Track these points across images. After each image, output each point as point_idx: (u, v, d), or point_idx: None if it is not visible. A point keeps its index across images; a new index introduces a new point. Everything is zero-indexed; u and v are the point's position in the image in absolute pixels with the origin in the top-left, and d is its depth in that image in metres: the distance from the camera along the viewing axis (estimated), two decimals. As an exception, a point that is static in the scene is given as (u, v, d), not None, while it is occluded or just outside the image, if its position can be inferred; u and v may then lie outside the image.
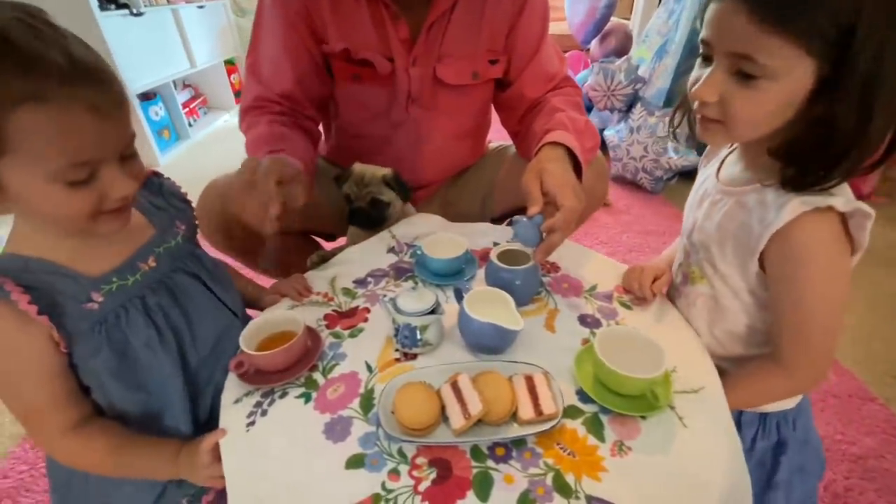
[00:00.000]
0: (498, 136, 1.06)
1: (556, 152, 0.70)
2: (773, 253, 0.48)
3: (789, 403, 0.57)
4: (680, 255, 0.65)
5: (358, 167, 0.79)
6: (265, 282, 0.72)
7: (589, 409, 0.49)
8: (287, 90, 0.76)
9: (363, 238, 0.80)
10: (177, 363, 0.52)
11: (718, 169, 0.59)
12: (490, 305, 0.56)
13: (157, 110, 2.46)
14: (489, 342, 0.55)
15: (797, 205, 0.45)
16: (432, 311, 0.55)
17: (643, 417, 0.48)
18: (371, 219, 0.79)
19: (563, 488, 0.42)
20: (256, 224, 0.57)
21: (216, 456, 0.47)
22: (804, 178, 0.45)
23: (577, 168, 0.72)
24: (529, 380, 0.49)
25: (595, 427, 0.48)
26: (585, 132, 0.78)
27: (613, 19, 2.70)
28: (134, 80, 2.26)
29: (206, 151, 2.67)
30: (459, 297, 0.65)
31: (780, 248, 0.47)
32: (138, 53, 2.29)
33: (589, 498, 0.41)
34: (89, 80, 0.39)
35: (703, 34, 0.47)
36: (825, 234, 0.45)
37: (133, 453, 0.49)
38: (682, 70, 1.82)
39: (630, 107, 1.94)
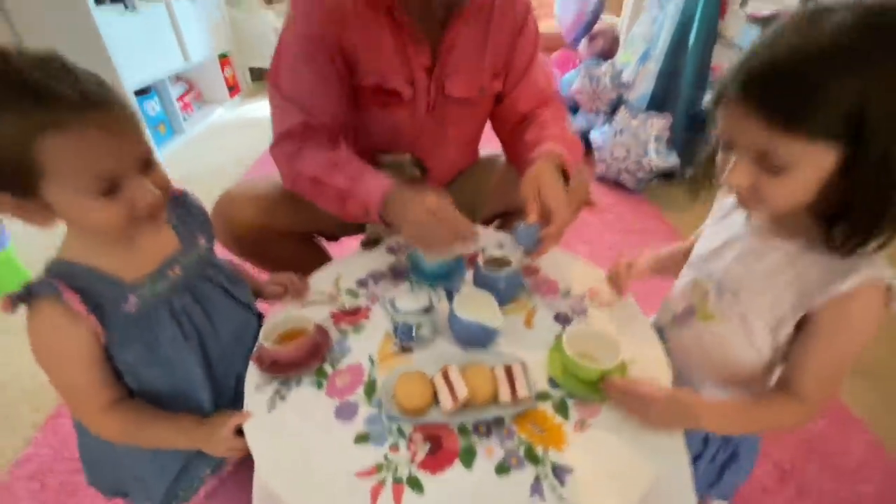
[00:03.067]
0: (487, 146, 1.14)
1: (549, 165, 0.78)
2: (824, 314, 0.52)
3: None
4: (686, 286, 0.68)
5: (388, 157, 0.88)
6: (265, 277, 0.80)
7: (557, 393, 0.59)
8: (328, 121, 0.81)
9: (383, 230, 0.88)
10: (199, 356, 0.60)
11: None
12: (476, 305, 0.65)
13: (154, 105, 2.49)
14: (475, 338, 0.64)
15: (863, 277, 0.48)
16: (426, 310, 0.64)
17: (602, 401, 0.58)
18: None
19: (532, 458, 0.52)
20: (449, 246, 0.69)
21: (237, 432, 0.56)
22: (849, 239, 0.47)
23: (565, 178, 0.81)
24: (508, 369, 0.59)
25: (562, 408, 0.57)
26: (572, 145, 0.87)
27: (604, 17, 2.77)
28: (129, 75, 2.28)
29: (201, 146, 2.70)
30: (450, 297, 0.74)
31: (833, 312, 0.51)
32: (133, 49, 2.31)
33: (553, 465, 0.51)
34: (98, 107, 0.46)
35: (719, 129, 0.50)
36: (878, 305, 0.49)
37: (157, 427, 0.58)
38: (665, 75, 1.91)
39: (614, 109, 2.03)
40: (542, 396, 0.59)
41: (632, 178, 1.98)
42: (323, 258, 1.08)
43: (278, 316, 0.65)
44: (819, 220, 0.51)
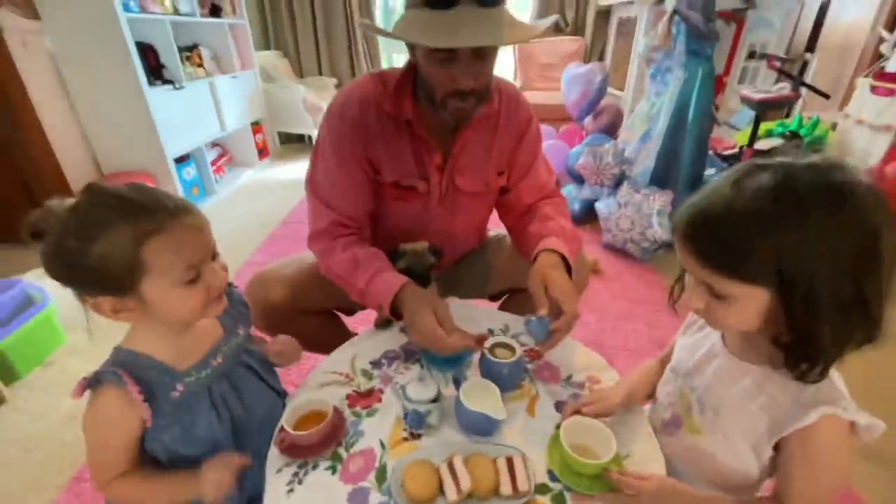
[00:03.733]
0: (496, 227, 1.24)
1: (554, 259, 0.86)
2: (792, 445, 0.55)
3: None
4: (672, 393, 0.71)
5: (407, 246, 0.98)
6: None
7: (556, 486, 0.63)
8: (354, 215, 0.93)
9: None
10: (230, 439, 0.66)
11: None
12: (481, 395, 0.70)
13: (190, 171, 2.70)
14: (479, 427, 0.69)
15: (823, 413, 0.51)
16: (435, 400, 0.70)
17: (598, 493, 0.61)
18: (427, 280, 0.97)
19: (531, 554, 0.55)
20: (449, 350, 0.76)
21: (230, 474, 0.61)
22: (798, 364, 0.52)
23: (567, 268, 0.88)
24: (510, 461, 0.63)
25: (559, 502, 0.60)
26: (572, 238, 0.96)
27: (609, 90, 2.98)
28: (172, 146, 2.51)
29: (230, 206, 2.89)
30: (457, 384, 0.79)
31: (800, 443, 0.54)
32: (177, 122, 2.56)
33: (550, 562, 0.54)
34: (185, 212, 0.57)
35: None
36: (841, 437, 0.53)
37: (161, 482, 0.63)
38: (665, 153, 2.03)
39: (618, 183, 2.14)
40: (541, 489, 0.62)
41: (637, 247, 2.05)
42: (342, 331, 1.15)
43: (300, 398, 0.71)
44: (777, 347, 0.55)
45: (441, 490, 0.60)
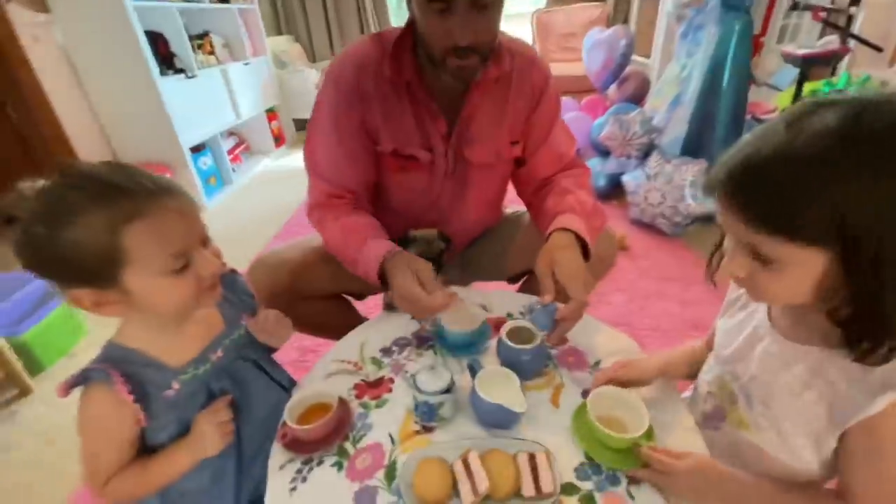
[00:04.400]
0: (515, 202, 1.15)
1: (566, 238, 0.77)
2: (856, 436, 0.48)
3: None
4: (712, 381, 0.64)
5: (417, 232, 0.93)
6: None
7: (584, 486, 0.56)
8: (351, 186, 0.88)
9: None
10: (232, 438, 0.62)
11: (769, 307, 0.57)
12: (499, 384, 0.63)
13: (206, 161, 2.69)
14: (497, 420, 0.62)
15: (891, 399, 0.44)
16: (447, 390, 0.63)
17: (630, 480, 0.55)
18: (439, 267, 0.91)
19: (558, 563, 0.48)
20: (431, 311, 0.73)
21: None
22: (860, 343, 0.44)
23: (586, 247, 0.80)
24: (532, 458, 0.56)
25: (588, 503, 0.54)
26: (593, 213, 0.86)
27: (634, 57, 2.78)
28: (187, 135, 2.49)
29: (247, 195, 2.88)
30: (473, 372, 0.72)
31: (864, 434, 0.47)
32: (191, 111, 2.54)
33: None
34: (169, 194, 0.52)
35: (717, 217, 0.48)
36: None
37: (157, 464, 0.58)
38: (698, 119, 1.88)
39: (647, 154, 2.00)
40: (568, 489, 0.55)
41: (668, 222, 1.92)
42: (353, 315, 1.10)
43: (304, 391, 0.66)
44: (834, 323, 0.47)
45: (455, 490, 0.54)
